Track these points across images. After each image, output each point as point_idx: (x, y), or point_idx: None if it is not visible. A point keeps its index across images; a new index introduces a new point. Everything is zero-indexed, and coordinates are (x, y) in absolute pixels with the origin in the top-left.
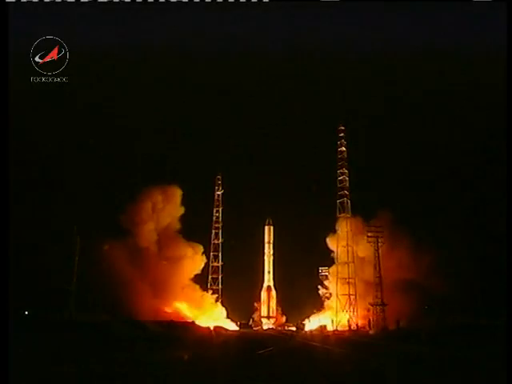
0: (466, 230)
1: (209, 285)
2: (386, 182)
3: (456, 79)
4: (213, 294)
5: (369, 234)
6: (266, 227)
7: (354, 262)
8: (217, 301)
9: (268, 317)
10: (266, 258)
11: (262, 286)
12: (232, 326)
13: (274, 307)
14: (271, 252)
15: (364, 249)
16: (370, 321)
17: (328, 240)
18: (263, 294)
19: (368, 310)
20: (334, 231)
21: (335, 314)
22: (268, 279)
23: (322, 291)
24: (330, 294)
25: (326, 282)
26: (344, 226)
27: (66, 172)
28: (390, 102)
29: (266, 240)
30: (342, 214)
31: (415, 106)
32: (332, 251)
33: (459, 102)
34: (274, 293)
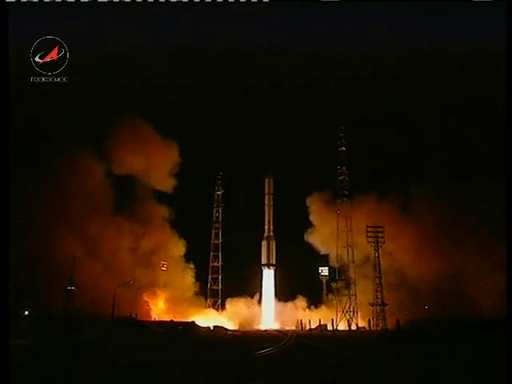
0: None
1: (209, 285)
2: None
3: (455, 79)
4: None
5: (369, 234)
6: (266, 179)
7: (353, 261)
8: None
9: (268, 265)
10: (266, 208)
11: (262, 236)
12: (232, 326)
13: (274, 255)
14: (271, 203)
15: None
16: (369, 321)
17: (310, 237)
18: (263, 243)
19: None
20: (311, 225)
21: (335, 313)
22: (268, 229)
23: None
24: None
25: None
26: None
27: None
28: (390, 102)
29: (266, 191)
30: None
31: (415, 106)
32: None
33: (459, 102)
34: (273, 241)
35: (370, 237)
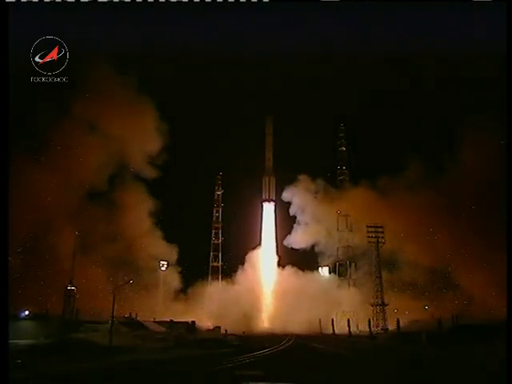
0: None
1: (209, 285)
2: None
3: (455, 79)
4: None
5: (369, 234)
6: (267, 119)
7: (354, 261)
8: None
9: (268, 200)
10: (266, 148)
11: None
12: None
13: (274, 191)
14: (271, 144)
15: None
16: (370, 321)
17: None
18: (264, 179)
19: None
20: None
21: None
22: (268, 166)
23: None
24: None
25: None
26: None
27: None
28: (389, 102)
29: (267, 132)
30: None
31: (414, 106)
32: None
33: (459, 102)
34: (273, 178)
35: (370, 237)
